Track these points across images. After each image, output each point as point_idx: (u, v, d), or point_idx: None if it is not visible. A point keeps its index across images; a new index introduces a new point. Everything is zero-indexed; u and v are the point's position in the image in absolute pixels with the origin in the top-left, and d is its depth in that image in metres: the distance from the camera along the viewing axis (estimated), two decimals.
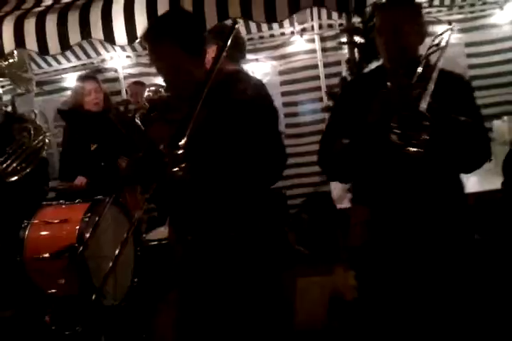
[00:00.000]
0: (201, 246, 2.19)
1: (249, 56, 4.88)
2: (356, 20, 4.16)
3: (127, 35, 3.37)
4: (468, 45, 5.52)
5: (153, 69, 2.12)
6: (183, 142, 1.81)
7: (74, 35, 3.38)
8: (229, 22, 3.16)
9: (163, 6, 3.19)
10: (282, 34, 5.40)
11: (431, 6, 5.28)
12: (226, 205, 2.12)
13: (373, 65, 3.98)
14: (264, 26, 4.98)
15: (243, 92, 2.19)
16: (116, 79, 5.32)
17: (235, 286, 2.14)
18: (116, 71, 5.33)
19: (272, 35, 5.40)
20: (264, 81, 5.56)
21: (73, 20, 3.39)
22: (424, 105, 1.94)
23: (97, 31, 3.30)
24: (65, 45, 3.38)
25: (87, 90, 3.86)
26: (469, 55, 5.56)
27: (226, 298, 2.14)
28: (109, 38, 3.34)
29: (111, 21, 3.28)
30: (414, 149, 1.93)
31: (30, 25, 3.40)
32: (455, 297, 2.18)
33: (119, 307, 3.18)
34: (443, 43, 2.36)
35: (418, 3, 2.32)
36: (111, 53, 5.22)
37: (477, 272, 2.31)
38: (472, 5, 5.43)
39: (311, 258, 4.36)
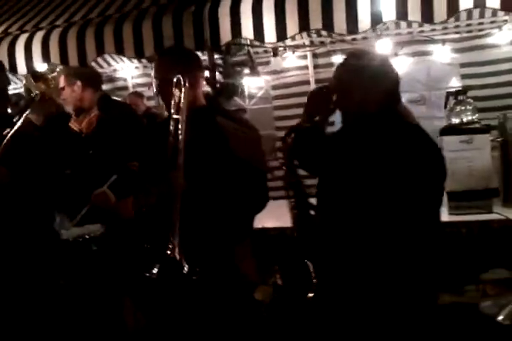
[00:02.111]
0: None
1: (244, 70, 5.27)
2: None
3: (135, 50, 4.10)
4: (463, 65, 5.33)
5: None
6: None
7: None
8: None
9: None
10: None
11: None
12: None
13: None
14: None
15: None
16: (125, 88, 6.16)
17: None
18: (125, 80, 6.14)
19: (265, 51, 5.72)
20: (259, 94, 6.13)
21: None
22: None
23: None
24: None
25: None
26: (464, 76, 5.37)
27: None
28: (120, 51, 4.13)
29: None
30: None
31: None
32: None
33: None
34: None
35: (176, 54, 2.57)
36: (120, 64, 6.03)
37: None
38: (469, 25, 5.18)
39: None
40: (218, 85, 4.20)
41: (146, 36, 3.98)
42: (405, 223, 2.00)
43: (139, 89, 5.77)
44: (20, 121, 3.04)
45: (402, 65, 5.32)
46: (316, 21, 3.63)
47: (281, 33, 3.73)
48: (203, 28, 3.86)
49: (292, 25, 3.71)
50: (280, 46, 5.33)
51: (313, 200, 2.26)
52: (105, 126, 3.27)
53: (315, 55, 5.67)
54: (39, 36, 4.20)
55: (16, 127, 2.98)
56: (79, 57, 4.11)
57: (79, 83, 3.54)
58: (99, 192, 3.07)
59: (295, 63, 5.70)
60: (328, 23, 3.62)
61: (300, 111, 2.50)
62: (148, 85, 5.61)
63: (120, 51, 4.05)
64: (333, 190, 2.12)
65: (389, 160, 1.99)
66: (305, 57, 5.70)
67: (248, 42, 4.37)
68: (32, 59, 4.19)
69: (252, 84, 5.74)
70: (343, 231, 2.07)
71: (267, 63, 5.72)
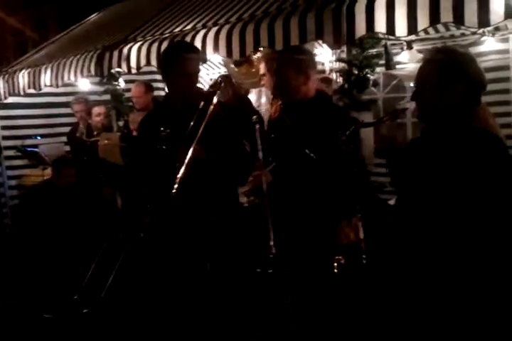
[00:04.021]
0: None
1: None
2: None
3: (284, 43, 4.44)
4: None
5: None
6: None
7: None
8: None
9: None
10: (473, 33, 5.28)
11: None
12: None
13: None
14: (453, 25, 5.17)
15: None
16: (323, 72, 6.28)
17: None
18: (323, 64, 6.28)
19: (462, 34, 5.35)
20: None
21: None
22: None
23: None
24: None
25: None
26: None
27: None
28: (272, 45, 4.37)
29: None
30: None
31: None
32: None
33: None
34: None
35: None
36: (319, 49, 6.16)
37: None
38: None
39: None
40: (352, 78, 4.23)
41: (293, 30, 4.17)
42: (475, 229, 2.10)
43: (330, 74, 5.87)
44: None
45: None
46: (446, 14, 3.39)
47: (412, 27, 3.59)
48: (340, 24, 3.91)
49: (423, 18, 3.53)
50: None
51: None
52: (285, 113, 3.41)
53: None
54: (213, 31, 4.70)
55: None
56: (240, 50, 4.50)
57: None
58: (260, 172, 3.34)
59: (494, 47, 5.19)
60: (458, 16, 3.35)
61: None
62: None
63: (272, 44, 4.31)
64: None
65: (454, 171, 2.10)
66: (506, 40, 5.16)
67: (384, 36, 4.22)
68: (205, 50, 4.71)
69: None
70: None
71: (466, 47, 5.34)
